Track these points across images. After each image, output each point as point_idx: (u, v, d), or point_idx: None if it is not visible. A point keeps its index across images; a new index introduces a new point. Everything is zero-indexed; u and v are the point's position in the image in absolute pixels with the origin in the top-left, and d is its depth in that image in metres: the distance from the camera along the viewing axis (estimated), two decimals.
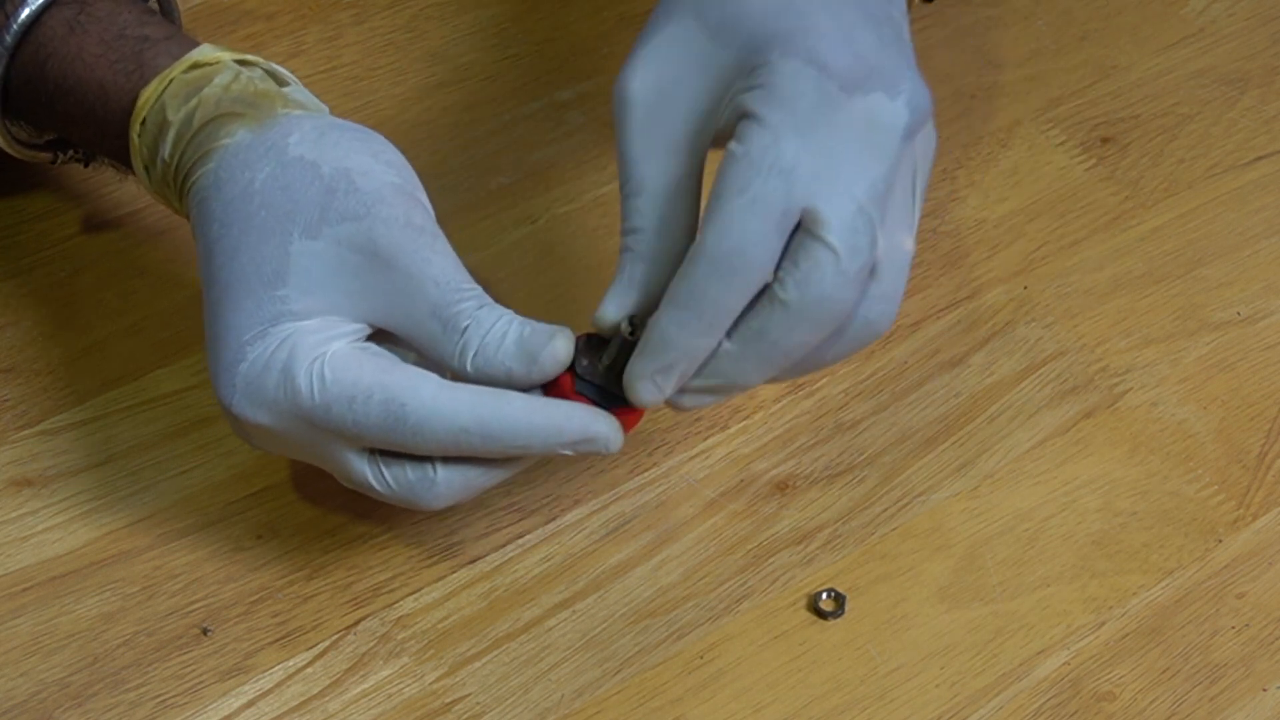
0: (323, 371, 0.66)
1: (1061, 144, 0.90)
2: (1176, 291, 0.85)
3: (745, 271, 0.64)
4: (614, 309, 0.67)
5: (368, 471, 0.68)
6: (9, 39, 0.72)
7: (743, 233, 0.63)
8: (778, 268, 0.64)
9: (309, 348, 0.66)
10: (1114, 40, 0.94)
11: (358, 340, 0.68)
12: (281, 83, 0.72)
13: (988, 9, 0.95)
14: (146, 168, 0.71)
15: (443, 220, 0.72)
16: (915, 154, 0.66)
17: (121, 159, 0.73)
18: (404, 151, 0.85)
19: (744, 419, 0.79)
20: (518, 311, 0.68)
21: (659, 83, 0.67)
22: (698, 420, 0.79)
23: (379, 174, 0.68)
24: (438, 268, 0.67)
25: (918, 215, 0.67)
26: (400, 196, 0.68)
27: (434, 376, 0.67)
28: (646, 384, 0.66)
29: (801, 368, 0.68)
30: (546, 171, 0.87)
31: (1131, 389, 0.81)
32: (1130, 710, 0.72)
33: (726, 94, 0.66)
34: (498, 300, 0.68)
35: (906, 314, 0.82)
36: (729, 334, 0.65)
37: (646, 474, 0.77)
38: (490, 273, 0.82)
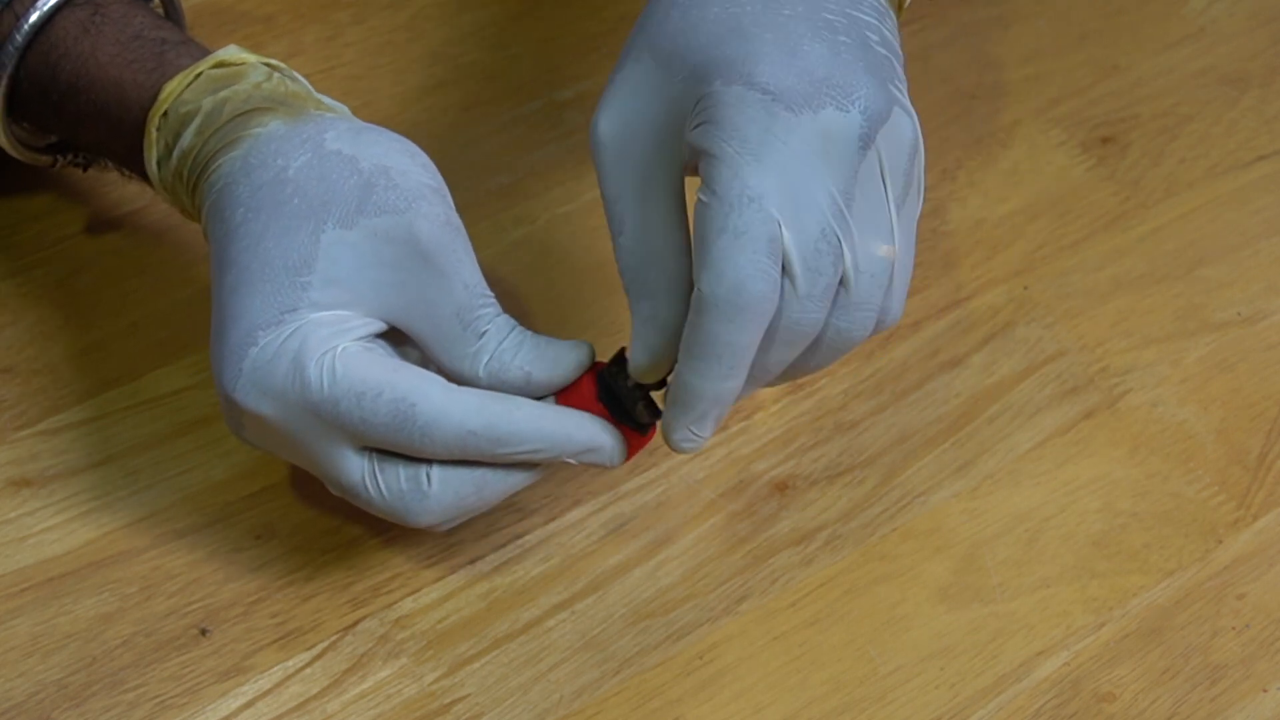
0: (334, 365, 0.66)
1: (1062, 144, 0.90)
2: (1177, 292, 0.85)
3: (751, 307, 0.64)
4: (644, 356, 0.67)
5: (362, 470, 0.68)
6: (19, 38, 0.72)
7: (734, 270, 0.63)
8: None
9: (321, 340, 0.66)
10: (1114, 40, 0.94)
11: (370, 338, 0.68)
12: None
13: (988, 9, 0.95)
14: (159, 162, 0.71)
15: None
16: (880, 158, 0.65)
17: (130, 158, 0.73)
18: None
19: (744, 419, 0.79)
20: (521, 313, 0.68)
21: (625, 121, 0.67)
22: None
23: (416, 174, 0.68)
24: (468, 270, 0.68)
25: (899, 217, 0.66)
26: (438, 197, 0.68)
27: (441, 380, 0.67)
28: (684, 434, 0.66)
29: (783, 378, 0.68)
30: (546, 171, 0.87)
31: (1132, 389, 0.81)
32: (1130, 711, 0.72)
33: (682, 125, 0.66)
34: (498, 302, 0.69)
35: (906, 314, 0.82)
36: (680, 354, 0.65)
37: (646, 474, 0.77)
38: (490, 273, 0.82)
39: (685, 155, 0.66)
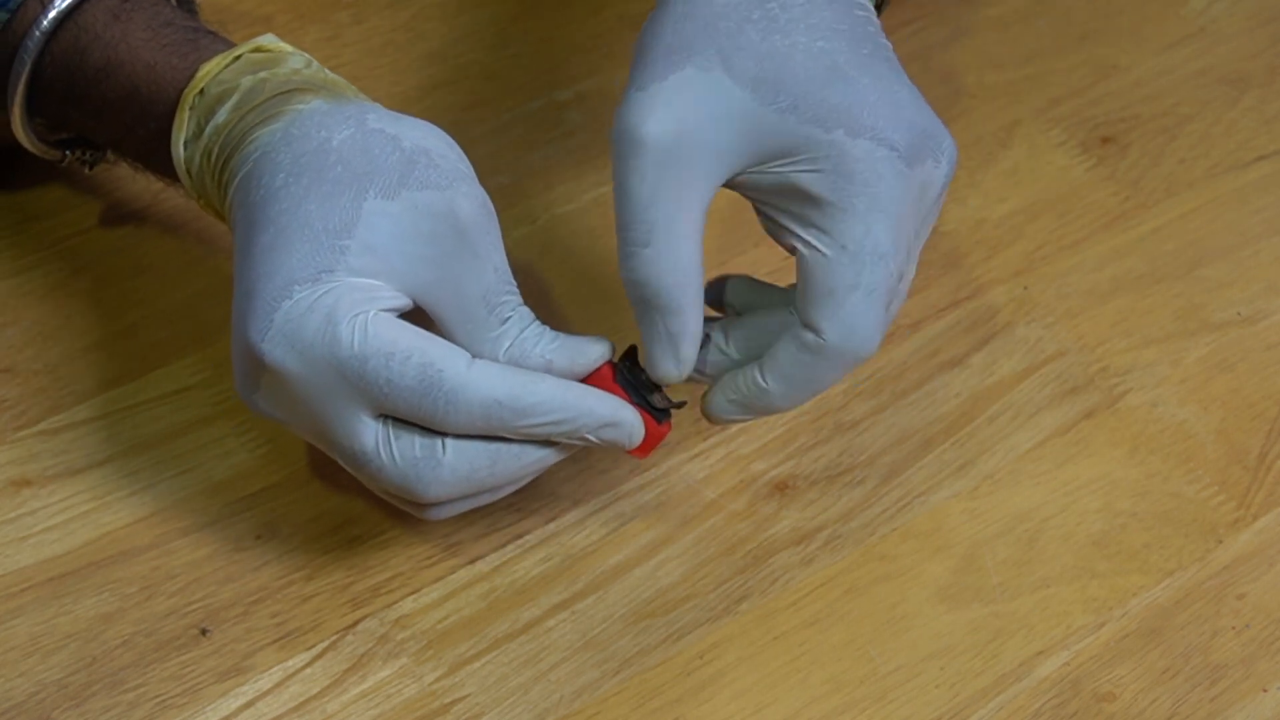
0: (366, 325, 0.66)
1: (1061, 144, 0.90)
2: (1177, 292, 0.85)
3: (867, 358, 0.68)
4: (674, 368, 0.69)
5: (376, 436, 0.67)
6: (46, 24, 0.72)
7: (866, 326, 0.67)
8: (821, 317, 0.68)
9: (355, 302, 0.66)
10: (1114, 40, 0.94)
11: (396, 312, 0.68)
12: None
13: (988, 9, 0.95)
14: (187, 142, 0.71)
15: None
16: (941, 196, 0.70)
17: (152, 144, 0.73)
18: None
19: None
20: None
21: (682, 127, 0.66)
22: (698, 420, 0.79)
23: (455, 160, 0.69)
24: (499, 256, 0.69)
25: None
26: (474, 183, 0.69)
27: (467, 354, 0.67)
28: (728, 408, 0.70)
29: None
30: (546, 171, 0.87)
31: (1132, 389, 0.81)
32: (1130, 711, 0.72)
33: (764, 152, 0.67)
34: None
35: (906, 314, 0.82)
36: (769, 373, 0.69)
37: (646, 474, 0.77)
38: None
39: (760, 185, 0.68)
